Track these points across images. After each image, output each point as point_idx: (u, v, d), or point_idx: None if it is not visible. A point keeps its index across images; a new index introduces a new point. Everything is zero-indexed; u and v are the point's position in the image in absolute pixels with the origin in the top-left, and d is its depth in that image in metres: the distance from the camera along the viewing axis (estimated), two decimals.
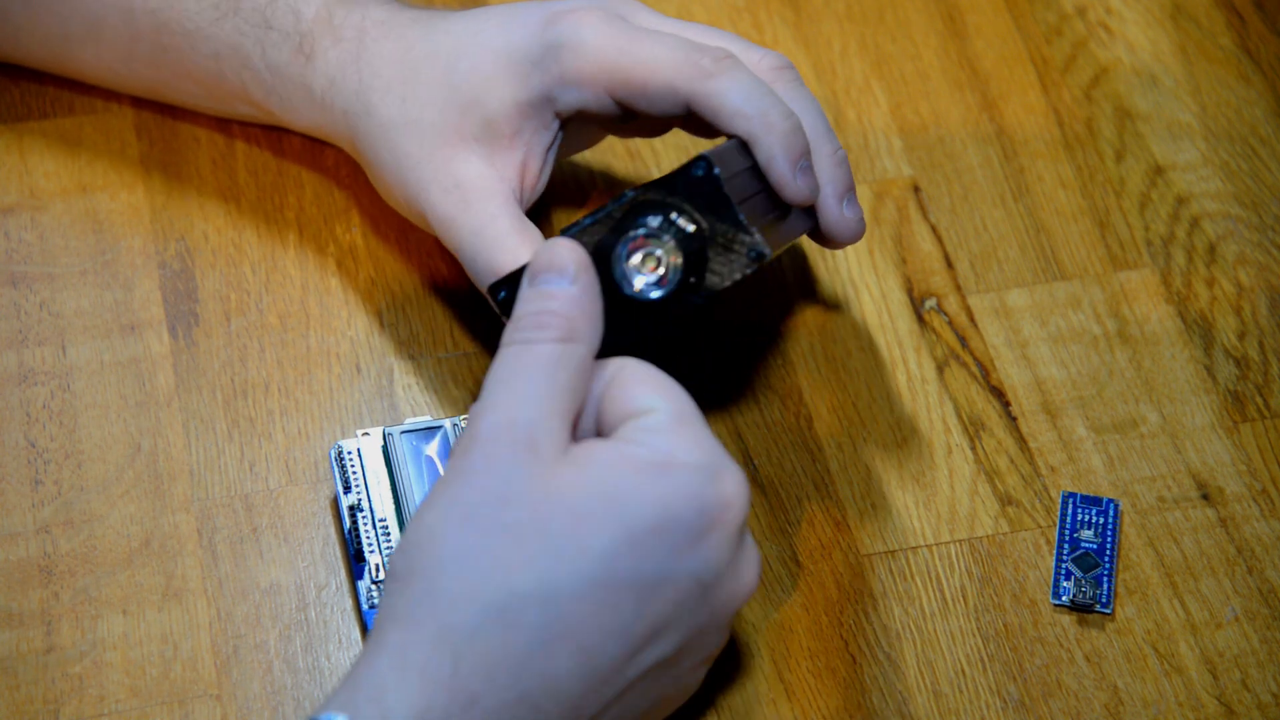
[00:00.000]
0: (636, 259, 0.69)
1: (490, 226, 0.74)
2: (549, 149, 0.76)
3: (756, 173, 0.72)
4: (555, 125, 0.76)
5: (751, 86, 0.72)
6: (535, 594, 0.61)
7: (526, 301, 0.66)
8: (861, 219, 0.75)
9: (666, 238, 0.69)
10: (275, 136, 0.85)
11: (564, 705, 0.62)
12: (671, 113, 0.73)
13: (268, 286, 0.82)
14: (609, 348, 0.68)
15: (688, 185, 0.69)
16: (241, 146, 0.85)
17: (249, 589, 0.74)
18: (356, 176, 0.85)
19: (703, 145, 0.86)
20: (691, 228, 0.69)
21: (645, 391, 0.66)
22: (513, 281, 0.70)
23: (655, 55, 0.73)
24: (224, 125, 0.86)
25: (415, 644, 0.61)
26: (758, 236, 0.69)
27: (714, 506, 0.64)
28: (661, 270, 0.69)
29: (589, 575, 0.62)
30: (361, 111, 0.77)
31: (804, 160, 0.71)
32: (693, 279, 0.69)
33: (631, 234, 0.69)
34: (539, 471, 0.63)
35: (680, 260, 0.69)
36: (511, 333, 0.66)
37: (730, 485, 0.65)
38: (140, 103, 0.86)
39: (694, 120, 0.76)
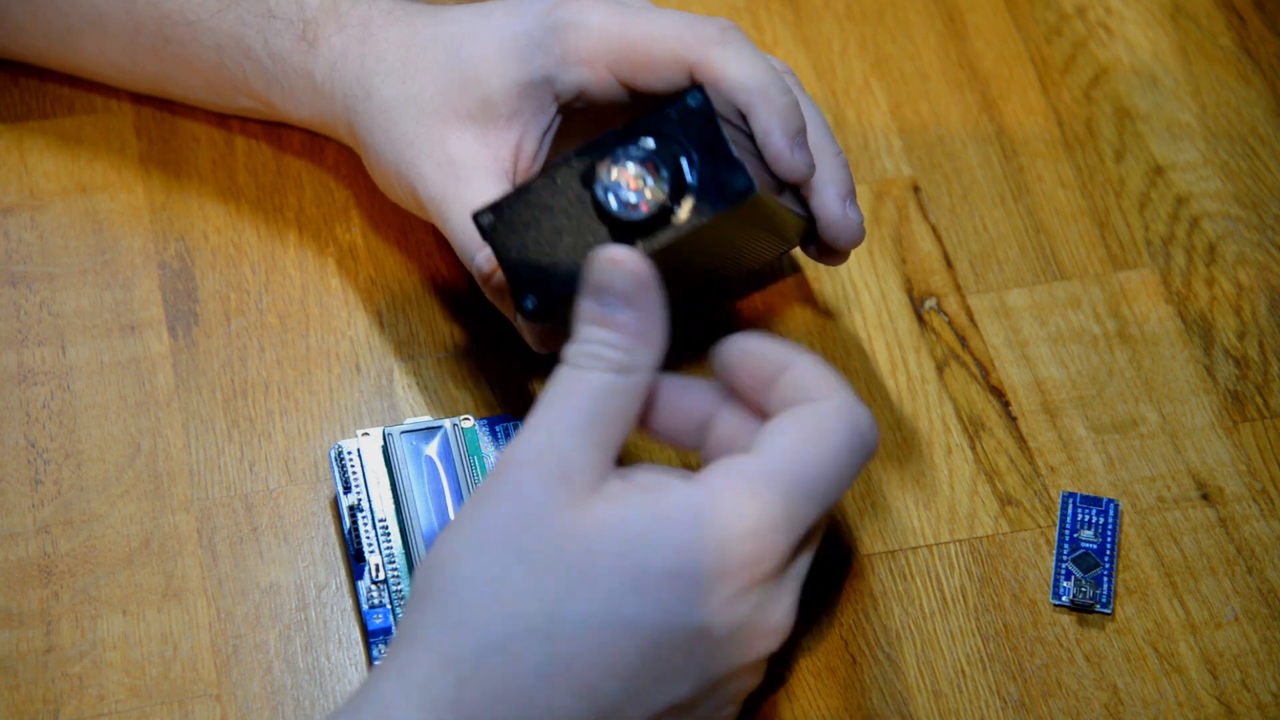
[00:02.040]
0: (623, 176, 0.68)
1: (481, 202, 0.74)
2: (545, 133, 0.76)
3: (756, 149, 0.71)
4: (553, 109, 0.76)
5: (755, 59, 0.72)
6: (540, 628, 0.61)
7: (587, 320, 0.65)
8: (863, 223, 0.74)
9: (654, 161, 0.68)
10: (275, 136, 0.85)
11: None
12: (674, 85, 0.73)
13: (267, 286, 0.82)
14: (577, 253, 0.68)
15: (681, 114, 0.68)
16: (241, 146, 0.85)
17: (249, 589, 0.74)
18: (356, 176, 0.85)
19: None
20: (682, 156, 0.68)
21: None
22: (499, 209, 0.69)
23: (660, 27, 0.73)
24: (224, 124, 0.86)
25: (421, 664, 0.61)
26: (747, 170, 0.68)
27: (736, 562, 0.62)
28: (646, 194, 0.68)
29: (592, 614, 0.61)
30: (362, 94, 0.77)
31: (800, 136, 0.71)
32: (675, 207, 0.68)
33: (620, 152, 0.68)
34: (566, 502, 0.62)
35: (665, 186, 0.68)
36: (570, 352, 0.65)
37: (760, 544, 0.62)
38: (140, 102, 0.86)
39: None
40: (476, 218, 0.69)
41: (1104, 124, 0.89)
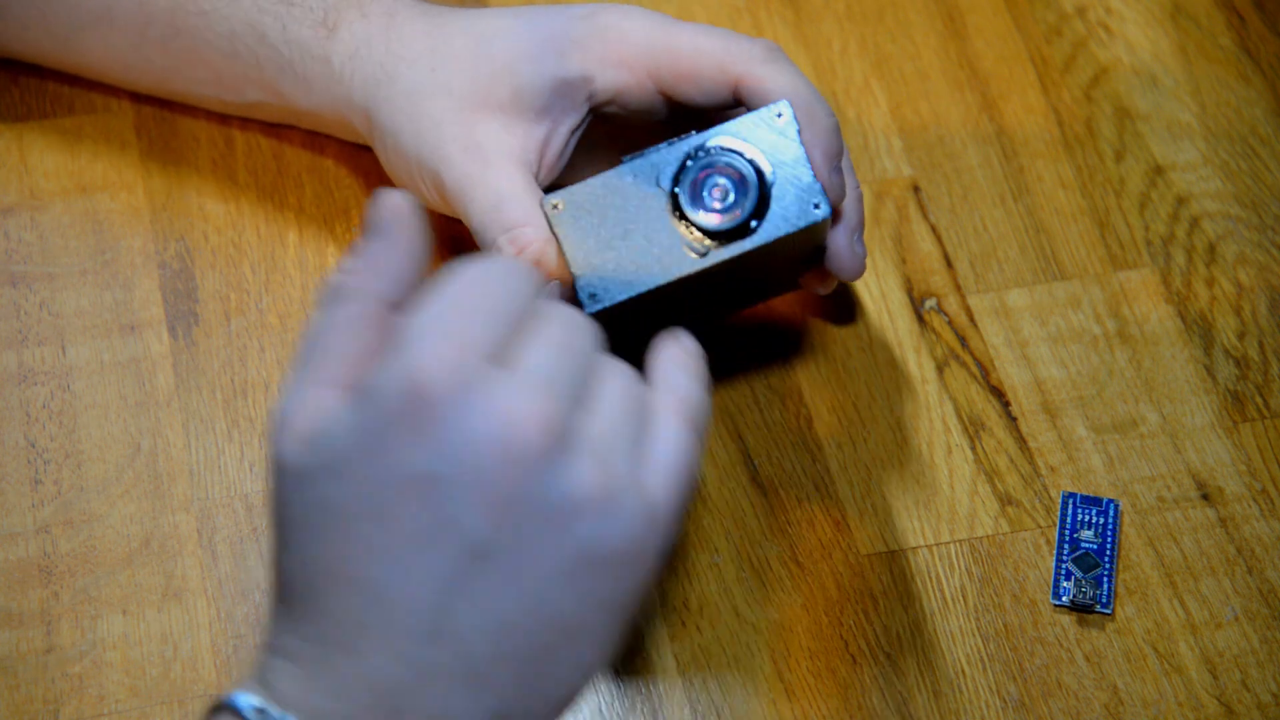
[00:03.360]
0: (709, 183, 0.69)
1: (507, 187, 0.74)
2: (574, 131, 0.76)
3: None
4: (585, 108, 0.76)
5: (800, 79, 0.73)
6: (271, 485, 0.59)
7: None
8: (865, 258, 0.76)
9: (741, 173, 0.69)
10: (276, 135, 0.85)
11: (343, 577, 0.57)
12: (715, 98, 0.74)
13: (267, 286, 0.82)
14: (647, 253, 0.69)
15: (764, 128, 0.69)
16: (242, 146, 0.85)
17: (249, 589, 0.74)
18: (357, 175, 0.85)
19: None
20: (765, 168, 0.69)
21: None
22: (568, 195, 0.69)
23: (704, 41, 0.74)
24: (224, 124, 0.86)
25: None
26: (821, 188, 0.69)
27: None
28: (731, 202, 0.69)
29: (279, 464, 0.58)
30: (385, 79, 0.77)
31: (838, 160, 0.72)
32: (754, 222, 0.69)
33: (706, 159, 0.69)
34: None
35: (749, 200, 0.69)
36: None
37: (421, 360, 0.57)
38: (140, 101, 0.86)
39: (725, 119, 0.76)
40: (544, 203, 0.69)
41: (1104, 124, 0.89)
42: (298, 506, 0.58)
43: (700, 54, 0.73)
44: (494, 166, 0.74)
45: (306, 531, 0.58)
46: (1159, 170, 0.87)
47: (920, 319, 0.83)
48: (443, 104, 0.76)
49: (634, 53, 0.74)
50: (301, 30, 0.79)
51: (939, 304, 0.83)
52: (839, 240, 0.75)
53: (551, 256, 0.72)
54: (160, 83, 0.84)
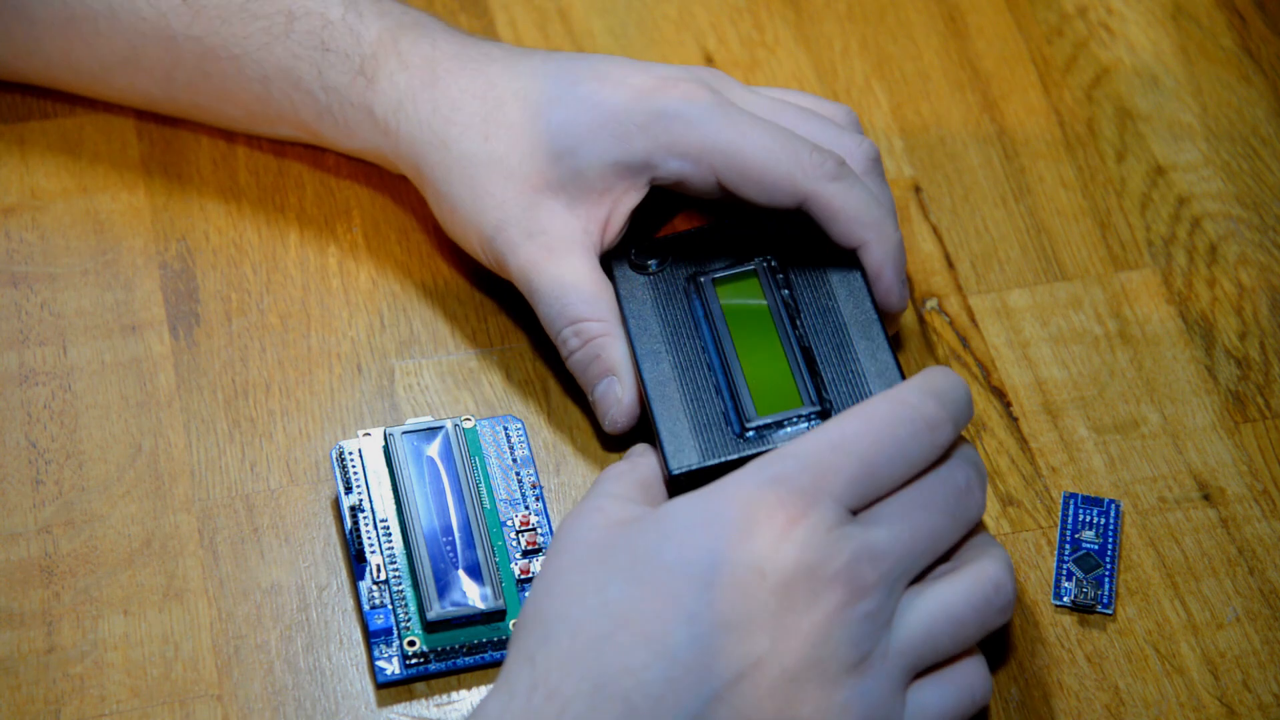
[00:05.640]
0: None
1: (572, 277, 0.75)
2: (635, 209, 0.77)
3: None
4: (646, 189, 0.77)
5: (869, 196, 0.74)
6: (592, 590, 0.64)
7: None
8: (907, 297, 0.77)
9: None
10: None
11: (650, 698, 0.62)
12: (780, 204, 0.75)
13: (269, 287, 0.82)
14: None
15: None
16: (242, 146, 0.85)
17: (250, 589, 0.74)
18: (357, 176, 0.85)
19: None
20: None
21: None
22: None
23: (772, 147, 0.74)
24: None
25: (505, 664, 0.65)
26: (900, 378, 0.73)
27: (768, 503, 0.64)
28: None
29: (634, 570, 0.64)
30: (436, 143, 0.77)
31: (904, 272, 0.75)
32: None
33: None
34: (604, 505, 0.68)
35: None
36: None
37: (779, 491, 0.65)
38: None
39: (790, 214, 0.77)
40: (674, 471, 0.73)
41: (1105, 124, 0.89)
42: None
43: (771, 165, 0.74)
44: (557, 253, 0.75)
45: None
46: (1160, 171, 0.87)
47: (921, 319, 0.83)
48: (501, 181, 0.76)
49: (700, 147, 0.75)
50: (339, 77, 0.79)
51: (940, 304, 0.83)
52: (888, 279, 0.76)
53: (611, 349, 0.75)
54: (188, 116, 0.84)
